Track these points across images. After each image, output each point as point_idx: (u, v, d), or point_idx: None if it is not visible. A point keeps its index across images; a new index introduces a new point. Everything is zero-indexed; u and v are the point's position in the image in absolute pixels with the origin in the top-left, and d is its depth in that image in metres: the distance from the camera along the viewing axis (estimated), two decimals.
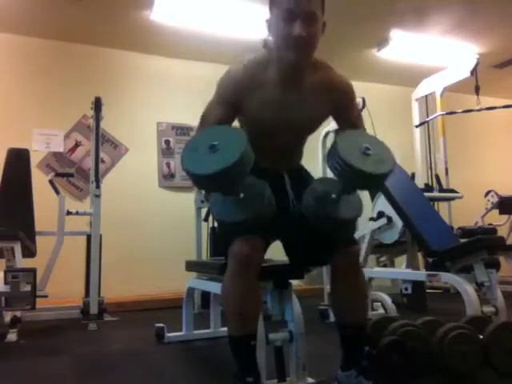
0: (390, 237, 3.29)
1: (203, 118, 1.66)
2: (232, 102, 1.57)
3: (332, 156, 1.37)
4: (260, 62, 1.56)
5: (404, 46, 4.79)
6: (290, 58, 1.47)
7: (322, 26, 1.51)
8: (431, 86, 4.73)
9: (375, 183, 1.45)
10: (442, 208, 4.60)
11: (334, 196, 1.44)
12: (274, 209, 1.45)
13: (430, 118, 4.54)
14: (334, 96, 1.60)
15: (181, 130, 4.94)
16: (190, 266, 2.65)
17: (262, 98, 1.53)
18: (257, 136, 1.53)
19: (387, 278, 4.05)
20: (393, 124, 5.40)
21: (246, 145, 1.32)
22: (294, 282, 1.80)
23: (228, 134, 1.40)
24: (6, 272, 2.68)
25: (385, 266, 4.40)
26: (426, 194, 3.55)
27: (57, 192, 3.55)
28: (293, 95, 1.55)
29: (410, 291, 2.87)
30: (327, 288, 3.29)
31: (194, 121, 5.76)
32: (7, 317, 2.88)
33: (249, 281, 1.47)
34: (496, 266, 2.72)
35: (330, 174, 1.71)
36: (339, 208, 1.45)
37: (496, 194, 4.89)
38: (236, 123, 1.70)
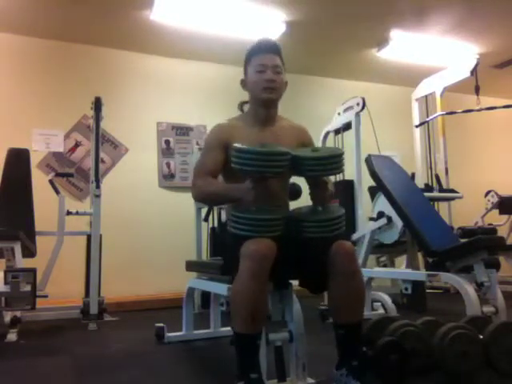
0: (390, 237, 3.29)
1: (199, 166, 1.90)
2: (221, 143, 1.85)
3: (299, 164, 1.68)
4: (237, 117, 1.97)
5: (404, 45, 4.79)
6: (264, 97, 1.85)
7: (285, 84, 1.91)
8: (431, 85, 4.73)
9: (334, 163, 1.68)
10: (442, 208, 4.60)
11: (320, 208, 1.74)
12: (281, 227, 1.63)
13: (430, 118, 4.54)
14: (297, 134, 1.96)
15: (181, 129, 4.94)
16: (190, 266, 2.65)
17: (244, 136, 1.81)
18: (243, 178, 1.68)
19: (387, 277, 4.05)
20: (393, 124, 5.41)
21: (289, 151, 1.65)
22: (294, 283, 1.80)
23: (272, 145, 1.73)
24: (5, 272, 2.68)
25: (385, 265, 4.40)
26: (426, 194, 3.55)
27: (57, 192, 3.55)
28: (268, 132, 1.88)
29: (409, 291, 2.87)
30: None
31: (193, 121, 5.76)
32: (7, 317, 2.88)
33: (262, 280, 1.53)
34: (496, 266, 2.72)
35: None
36: (328, 212, 1.73)
37: (496, 194, 4.89)
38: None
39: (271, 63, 1.84)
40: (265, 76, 1.83)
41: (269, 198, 1.69)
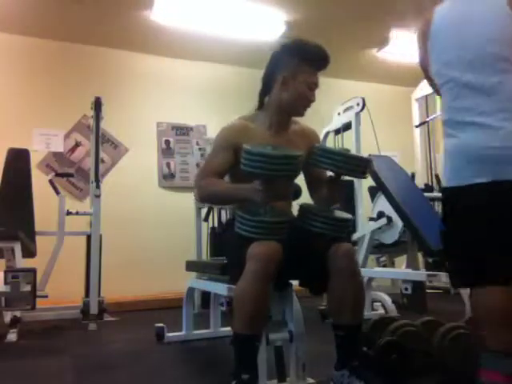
0: (390, 237, 3.29)
1: (204, 166, 1.91)
2: (231, 144, 1.78)
3: (322, 155, 1.72)
4: (249, 117, 1.89)
5: (404, 45, 4.79)
6: (299, 113, 1.87)
7: None
8: None
9: (361, 165, 1.76)
10: None
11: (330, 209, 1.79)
12: (286, 229, 1.63)
13: (430, 118, 4.54)
14: (307, 139, 1.91)
15: (181, 130, 4.94)
16: (190, 266, 2.65)
17: (256, 139, 1.76)
18: (249, 179, 1.65)
19: (387, 277, 4.05)
20: (393, 124, 5.41)
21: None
22: (294, 283, 1.80)
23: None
24: (5, 272, 2.68)
25: (385, 266, 4.40)
26: (426, 194, 3.55)
27: (57, 192, 3.55)
28: (280, 138, 1.83)
29: (410, 291, 2.87)
30: None
31: (193, 121, 5.74)
32: (7, 317, 2.88)
33: (266, 282, 1.53)
34: None
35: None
36: (337, 213, 1.78)
37: None
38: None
39: (318, 83, 1.84)
40: (312, 96, 1.83)
41: (275, 198, 1.67)
